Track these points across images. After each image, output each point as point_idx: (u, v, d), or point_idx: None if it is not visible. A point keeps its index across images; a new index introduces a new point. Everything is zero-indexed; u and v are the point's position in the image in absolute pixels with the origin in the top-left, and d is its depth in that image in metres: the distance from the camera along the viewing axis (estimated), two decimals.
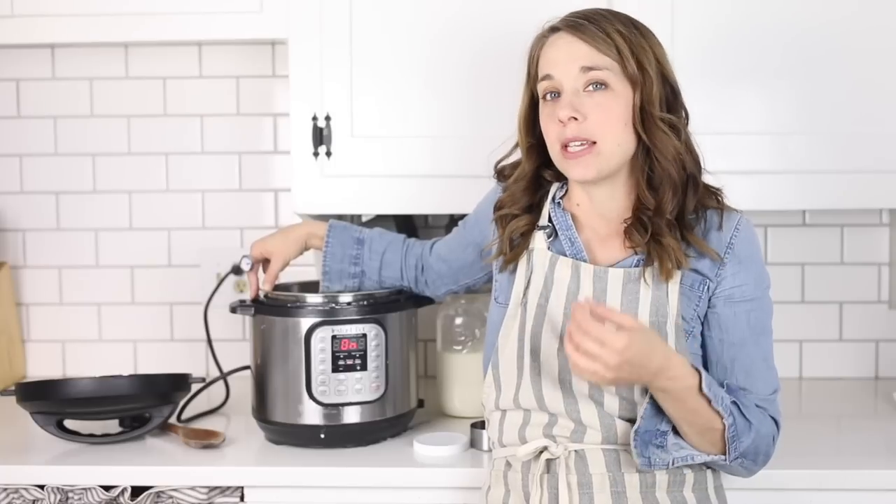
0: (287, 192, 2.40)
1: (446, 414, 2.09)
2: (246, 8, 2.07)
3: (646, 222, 1.53)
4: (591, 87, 1.51)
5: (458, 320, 2.09)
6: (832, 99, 2.00)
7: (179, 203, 2.44)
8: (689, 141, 1.56)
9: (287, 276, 2.09)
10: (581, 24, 1.52)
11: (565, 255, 1.58)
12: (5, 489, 1.82)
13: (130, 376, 1.94)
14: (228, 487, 1.81)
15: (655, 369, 1.42)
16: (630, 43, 1.51)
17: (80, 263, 2.46)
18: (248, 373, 2.00)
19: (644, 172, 1.55)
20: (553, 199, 1.62)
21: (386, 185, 2.05)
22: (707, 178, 1.58)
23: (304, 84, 2.03)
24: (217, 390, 2.18)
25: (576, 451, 1.53)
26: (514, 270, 1.61)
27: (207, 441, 1.90)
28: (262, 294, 1.96)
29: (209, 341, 2.09)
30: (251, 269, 1.96)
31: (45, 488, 1.80)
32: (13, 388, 1.92)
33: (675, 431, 1.52)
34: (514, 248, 1.61)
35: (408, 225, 2.29)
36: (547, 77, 1.54)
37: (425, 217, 2.41)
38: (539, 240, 1.60)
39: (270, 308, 1.91)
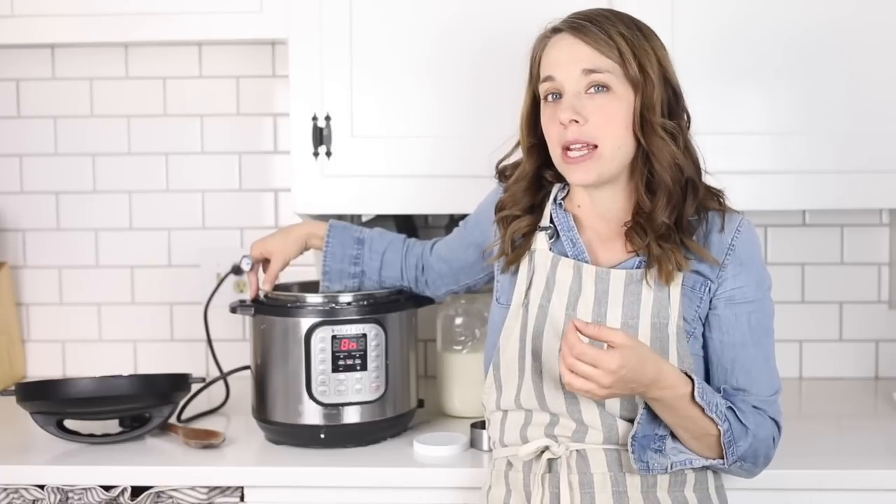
0: (287, 192, 2.40)
1: (446, 414, 2.09)
2: (246, 8, 2.07)
3: (644, 225, 1.53)
4: (592, 90, 1.51)
5: (458, 320, 2.09)
6: (833, 99, 1.99)
7: (179, 203, 2.44)
8: (689, 145, 1.56)
9: (287, 276, 2.09)
10: (583, 26, 1.52)
11: (567, 256, 1.57)
12: (5, 489, 1.81)
13: (130, 376, 1.94)
14: (228, 487, 1.81)
15: (648, 382, 1.43)
16: (632, 45, 1.51)
17: (80, 263, 2.46)
18: (248, 373, 1.99)
19: (643, 176, 1.55)
20: (554, 199, 1.62)
21: (386, 186, 2.05)
22: (708, 179, 1.58)
23: (304, 84, 2.03)
24: (217, 390, 2.18)
25: (577, 450, 1.53)
26: (516, 271, 1.61)
27: (207, 441, 1.90)
28: (262, 294, 1.96)
29: (209, 341, 2.09)
30: (251, 269, 1.96)
31: (45, 488, 1.80)
32: (13, 388, 1.92)
33: (674, 435, 1.52)
34: (516, 250, 1.61)
35: (408, 225, 2.28)
36: (548, 78, 1.54)
37: (425, 217, 2.41)
38: (541, 241, 1.60)
39: (270, 308, 1.91)
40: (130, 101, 2.42)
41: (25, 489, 1.81)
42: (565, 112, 1.50)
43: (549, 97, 1.55)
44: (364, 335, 1.87)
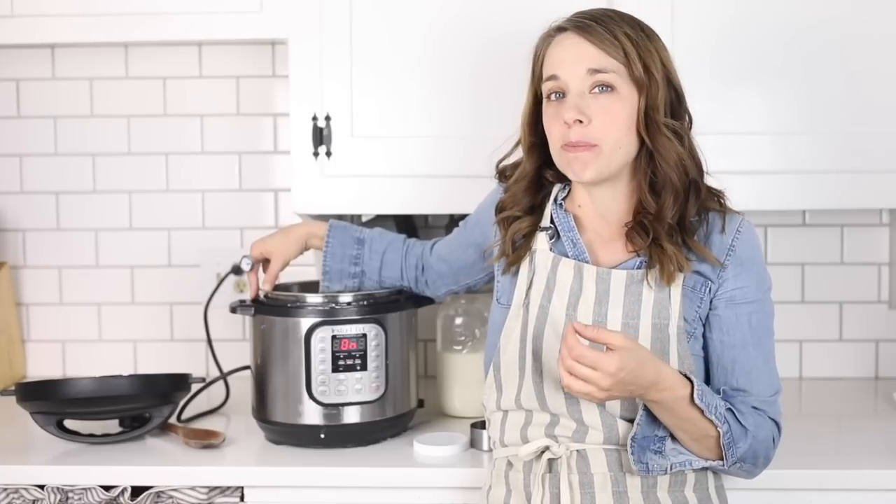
0: (287, 192, 2.40)
1: (446, 414, 2.09)
2: (246, 8, 2.07)
3: (647, 226, 1.53)
4: (596, 90, 1.51)
5: (458, 320, 2.09)
6: (833, 98, 1.99)
7: (179, 203, 2.44)
8: (693, 146, 1.56)
9: (287, 276, 2.09)
10: (588, 25, 1.52)
11: (567, 257, 1.57)
12: (5, 489, 1.81)
13: (130, 376, 1.94)
14: (228, 487, 1.81)
15: (647, 384, 1.43)
16: (637, 46, 1.51)
17: (80, 263, 2.46)
18: (248, 373, 1.99)
19: (646, 176, 1.55)
20: (555, 199, 1.62)
21: (386, 186, 2.04)
22: (708, 180, 1.58)
23: (304, 84, 2.03)
24: (217, 390, 2.18)
25: (577, 450, 1.53)
26: (517, 272, 1.61)
27: (207, 441, 1.90)
28: (262, 294, 1.96)
29: (209, 341, 2.09)
30: (251, 269, 1.96)
31: (45, 488, 1.80)
32: (13, 388, 1.92)
33: (673, 437, 1.52)
34: (517, 251, 1.61)
35: (408, 225, 2.28)
36: (552, 77, 1.53)
37: (425, 217, 2.41)
38: (541, 241, 1.60)
39: (270, 308, 1.91)
40: (130, 101, 2.42)
41: (25, 489, 1.81)
42: (570, 112, 1.50)
43: (553, 96, 1.54)
44: (364, 335, 1.87)
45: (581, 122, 1.50)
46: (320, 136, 2.03)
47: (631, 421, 1.51)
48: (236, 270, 1.99)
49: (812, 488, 1.74)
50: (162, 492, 1.81)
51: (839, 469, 1.76)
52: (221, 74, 2.41)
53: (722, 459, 1.51)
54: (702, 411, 1.46)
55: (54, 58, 2.42)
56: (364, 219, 2.26)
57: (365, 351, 1.87)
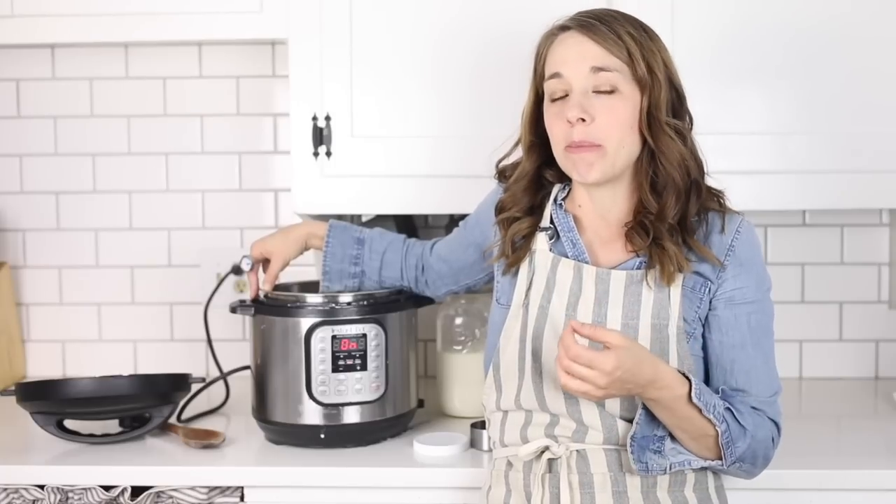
0: (287, 192, 2.39)
1: (446, 414, 2.09)
2: (246, 8, 2.07)
3: (647, 226, 1.53)
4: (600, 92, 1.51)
5: (458, 320, 2.09)
6: (832, 98, 2.00)
7: (179, 203, 2.44)
8: (694, 146, 1.56)
9: (287, 276, 2.09)
10: (592, 24, 1.52)
11: (567, 257, 1.57)
12: (5, 489, 1.81)
13: (130, 376, 1.94)
14: (228, 487, 1.81)
15: (645, 382, 1.43)
16: (640, 45, 1.51)
17: (80, 263, 2.46)
18: (248, 373, 1.99)
19: (648, 176, 1.55)
20: (555, 200, 1.62)
21: (386, 186, 2.04)
22: (708, 180, 1.58)
23: (304, 84, 2.03)
24: (217, 390, 2.18)
25: (577, 450, 1.53)
26: (516, 272, 1.61)
27: (207, 441, 1.90)
28: (262, 294, 1.96)
29: (209, 341, 2.09)
30: (251, 269, 1.96)
31: (45, 488, 1.80)
32: (13, 388, 1.92)
33: (673, 436, 1.52)
34: (517, 251, 1.61)
35: (408, 225, 2.28)
36: (555, 75, 1.53)
37: (425, 217, 2.41)
38: (541, 241, 1.60)
39: (270, 308, 1.91)
40: (130, 101, 2.42)
41: (25, 489, 1.81)
42: (573, 110, 1.50)
43: (555, 94, 1.54)
44: (364, 335, 1.87)
45: (584, 120, 1.50)
46: (320, 136, 2.03)
47: (630, 421, 1.51)
48: (236, 270, 1.99)
49: (812, 488, 1.74)
50: (162, 492, 1.81)
51: (839, 469, 1.76)
52: (221, 74, 2.41)
53: (721, 459, 1.51)
54: (700, 410, 1.46)
55: (54, 58, 2.42)
56: (364, 219, 2.26)
57: (365, 351, 1.87)
